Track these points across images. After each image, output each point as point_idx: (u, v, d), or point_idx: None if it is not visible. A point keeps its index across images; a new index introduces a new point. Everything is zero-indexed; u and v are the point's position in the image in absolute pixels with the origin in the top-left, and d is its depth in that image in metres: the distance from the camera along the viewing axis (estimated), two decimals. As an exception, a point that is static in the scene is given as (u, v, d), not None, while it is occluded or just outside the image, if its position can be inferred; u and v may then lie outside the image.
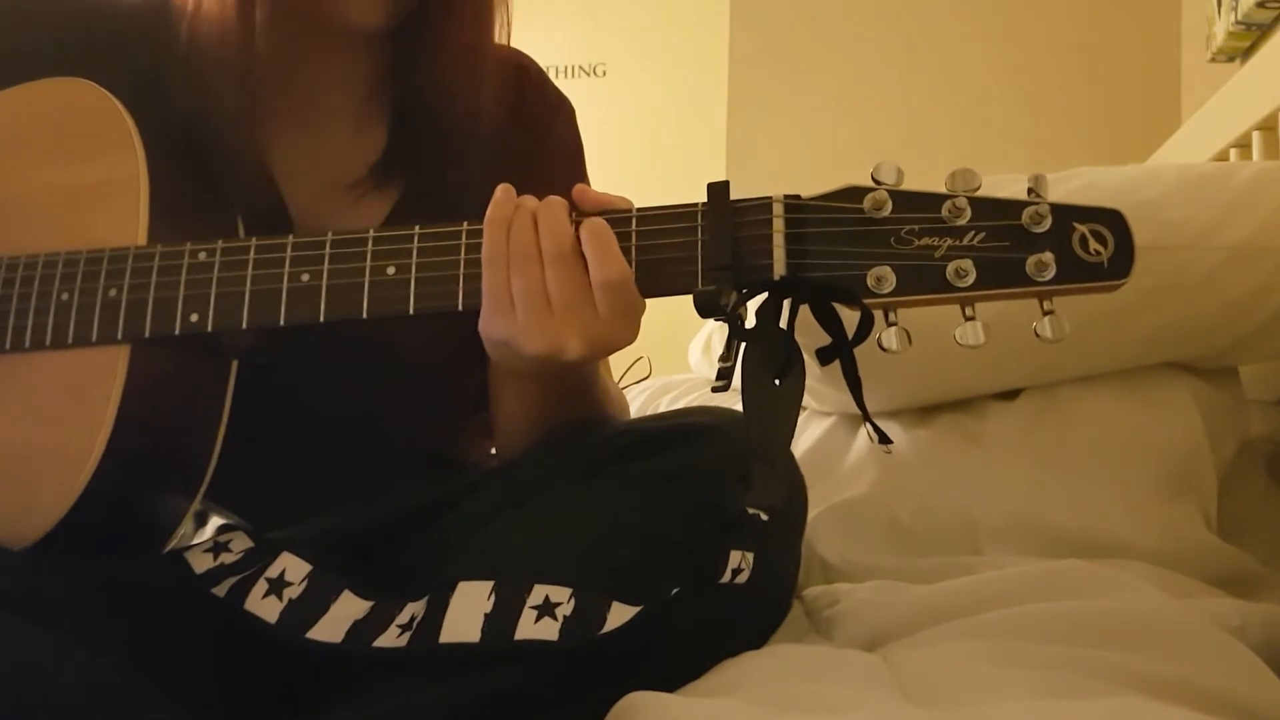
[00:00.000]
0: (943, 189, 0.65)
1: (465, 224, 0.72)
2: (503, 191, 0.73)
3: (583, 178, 0.99)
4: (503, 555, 0.72)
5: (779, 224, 0.66)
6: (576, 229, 0.70)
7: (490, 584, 0.68)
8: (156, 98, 0.82)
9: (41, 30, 0.88)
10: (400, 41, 0.87)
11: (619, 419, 0.90)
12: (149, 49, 0.86)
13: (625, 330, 0.71)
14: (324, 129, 0.91)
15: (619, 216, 0.70)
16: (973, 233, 0.63)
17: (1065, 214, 0.63)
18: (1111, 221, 0.62)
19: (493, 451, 1.00)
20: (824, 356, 0.68)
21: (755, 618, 0.80)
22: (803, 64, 2.50)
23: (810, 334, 0.67)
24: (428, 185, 0.90)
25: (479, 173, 0.88)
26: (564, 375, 0.76)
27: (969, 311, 0.64)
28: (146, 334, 0.75)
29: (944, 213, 0.63)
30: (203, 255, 0.76)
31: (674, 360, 2.13)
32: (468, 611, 0.68)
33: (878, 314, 0.65)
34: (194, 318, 0.75)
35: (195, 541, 0.81)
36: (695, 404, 1.59)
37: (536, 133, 0.95)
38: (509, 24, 0.91)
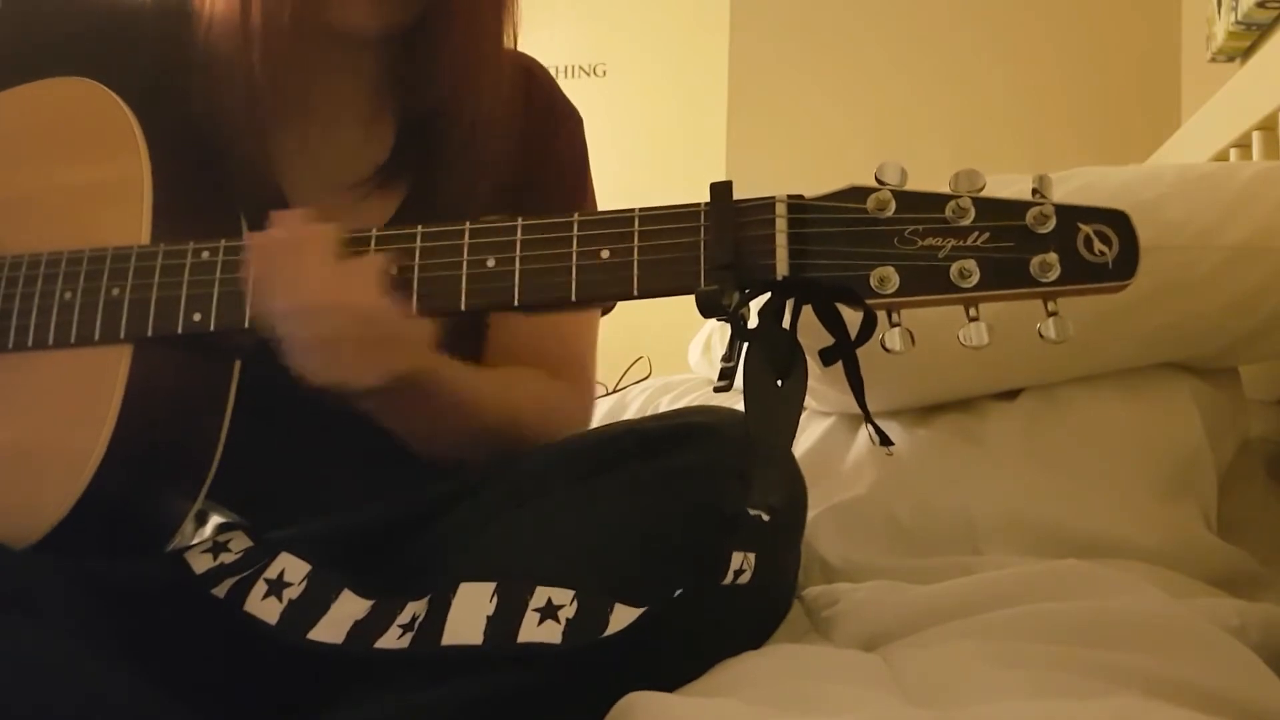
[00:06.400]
0: (946, 189, 0.65)
1: (468, 223, 0.72)
2: (260, 242, 0.73)
3: (585, 189, 0.99)
4: (504, 556, 0.72)
5: (782, 224, 0.66)
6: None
7: (492, 585, 0.69)
8: (162, 98, 0.83)
9: (48, 30, 0.89)
10: (408, 46, 0.87)
11: (555, 429, 0.88)
12: (156, 50, 0.86)
13: (403, 357, 0.73)
14: (331, 131, 0.91)
15: (621, 216, 0.70)
16: (977, 233, 0.63)
17: (1070, 214, 0.62)
18: (1116, 222, 0.62)
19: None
20: (826, 357, 0.68)
21: (756, 618, 0.80)
22: (803, 64, 2.50)
23: (813, 334, 0.67)
24: (432, 188, 0.90)
25: (483, 177, 0.88)
26: (398, 393, 0.76)
27: (973, 312, 0.64)
28: (149, 333, 0.75)
29: (948, 213, 0.63)
30: (205, 255, 0.76)
31: (674, 360, 2.13)
32: (470, 613, 0.68)
33: (881, 315, 0.65)
34: (197, 317, 0.75)
35: (194, 541, 0.81)
36: (695, 404, 1.59)
37: (541, 141, 0.95)
38: (517, 28, 0.91)
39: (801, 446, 1.22)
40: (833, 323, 0.66)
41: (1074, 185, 1.07)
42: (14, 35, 0.88)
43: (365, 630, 0.71)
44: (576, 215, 0.70)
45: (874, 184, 0.65)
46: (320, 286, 0.71)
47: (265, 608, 0.73)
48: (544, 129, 0.96)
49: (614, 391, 2.01)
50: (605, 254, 0.69)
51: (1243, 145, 1.39)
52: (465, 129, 0.89)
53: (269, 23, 0.81)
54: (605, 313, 1.01)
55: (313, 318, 0.72)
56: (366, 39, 0.85)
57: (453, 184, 0.89)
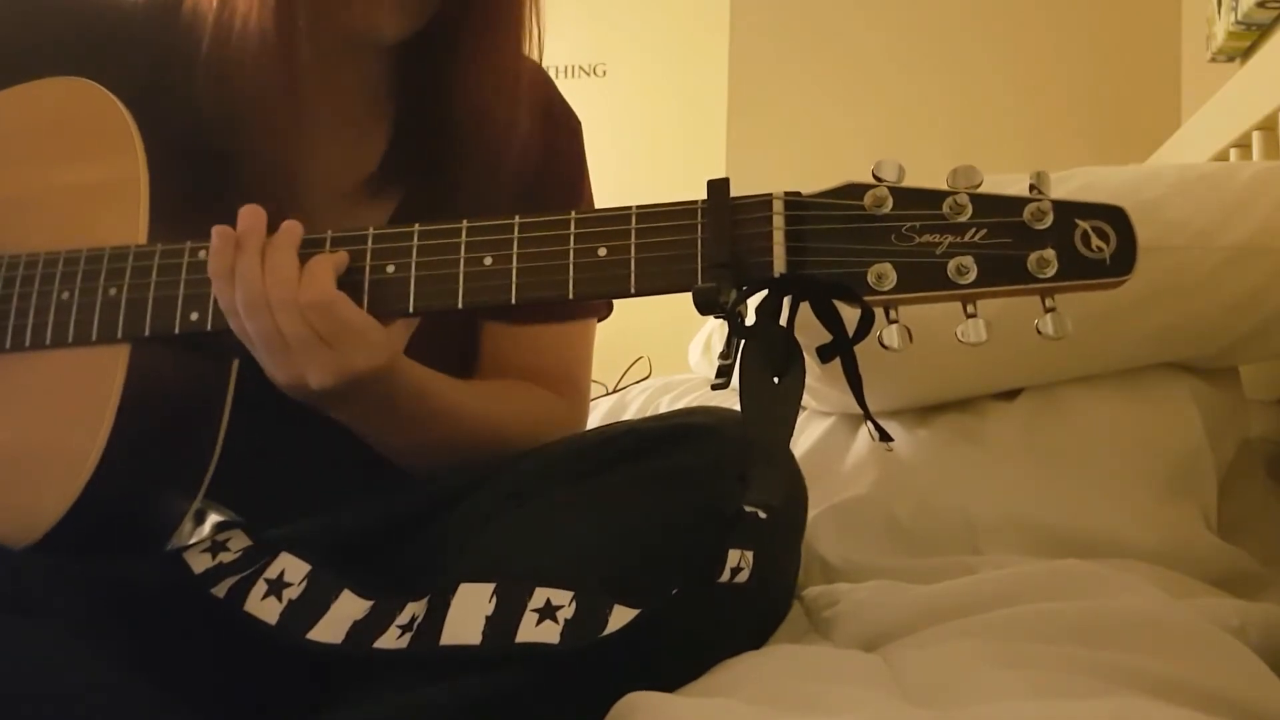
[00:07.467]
0: (944, 186, 0.64)
1: (465, 221, 0.72)
2: (219, 238, 0.73)
3: (583, 195, 0.99)
4: (503, 556, 0.72)
5: (779, 221, 0.66)
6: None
7: (491, 586, 0.68)
8: (158, 98, 0.82)
9: (45, 30, 0.88)
10: (419, 50, 0.86)
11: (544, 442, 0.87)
12: (153, 51, 0.86)
13: (357, 357, 0.72)
14: (330, 132, 0.91)
15: (618, 214, 0.70)
16: (974, 229, 0.63)
17: (1067, 210, 0.62)
18: (1114, 218, 0.62)
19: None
20: (824, 354, 0.68)
21: (755, 617, 0.80)
22: (803, 64, 2.50)
23: (810, 332, 0.67)
24: (429, 191, 0.90)
25: (480, 181, 0.88)
26: (349, 396, 0.76)
27: (970, 309, 0.64)
28: (146, 333, 0.75)
29: (945, 209, 0.63)
30: (203, 254, 0.76)
31: (674, 360, 2.13)
32: (469, 613, 0.68)
33: (878, 311, 0.65)
34: (194, 317, 0.75)
35: (193, 540, 0.81)
36: (695, 404, 1.58)
37: (539, 148, 0.94)
38: (540, 36, 0.90)
39: (801, 446, 1.22)
40: (830, 320, 0.66)
41: (1074, 185, 1.07)
42: (9, 35, 0.88)
43: (364, 630, 0.70)
44: (574, 213, 0.70)
45: (871, 181, 0.65)
46: (270, 282, 0.71)
47: (265, 608, 0.73)
48: (543, 134, 0.96)
49: (614, 391, 2.01)
50: (603, 251, 0.69)
51: (1243, 145, 1.39)
52: (470, 136, 0.88)
53: (283, 27, 0.81)
54: (603, 318, 1.01)
55: (257, 313, 0.71)
56: (383, 43, 0.85)
57: (451, 189, 0.89)
